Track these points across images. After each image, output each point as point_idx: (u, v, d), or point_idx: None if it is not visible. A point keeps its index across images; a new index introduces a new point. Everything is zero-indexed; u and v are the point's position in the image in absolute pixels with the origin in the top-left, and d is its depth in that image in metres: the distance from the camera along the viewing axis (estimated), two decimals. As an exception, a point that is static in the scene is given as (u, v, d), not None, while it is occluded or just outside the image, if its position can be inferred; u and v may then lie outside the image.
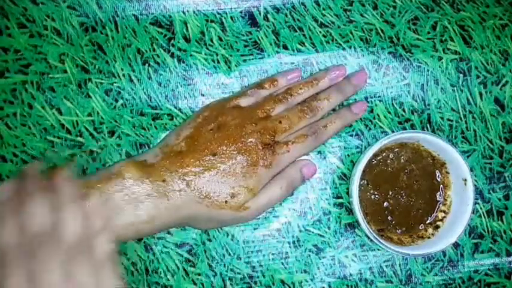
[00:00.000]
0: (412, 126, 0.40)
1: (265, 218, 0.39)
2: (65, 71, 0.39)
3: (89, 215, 0.29)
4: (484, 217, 0.40)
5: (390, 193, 0.38)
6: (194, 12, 0.40)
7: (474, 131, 0.40)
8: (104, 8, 0.39)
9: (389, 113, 0.40)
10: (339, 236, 0.39)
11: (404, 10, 0.41)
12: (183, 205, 0.32)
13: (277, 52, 0.40)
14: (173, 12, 0.40)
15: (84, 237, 0.27)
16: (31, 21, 0.39)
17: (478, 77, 0.41)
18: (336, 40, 0.40)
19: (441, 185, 0.38)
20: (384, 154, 0.38)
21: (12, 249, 0.26)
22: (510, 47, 0.41)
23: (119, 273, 0.28)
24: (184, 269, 0.38)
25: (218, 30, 0.40)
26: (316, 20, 0.41)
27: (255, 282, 0.38)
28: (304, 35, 0.40)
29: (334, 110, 0.39)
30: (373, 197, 0.38)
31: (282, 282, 0.38)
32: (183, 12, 0.40)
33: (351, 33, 0.41)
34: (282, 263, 0.38)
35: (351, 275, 0.39)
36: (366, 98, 0.40)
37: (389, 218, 0.38)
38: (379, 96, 0.40)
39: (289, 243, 0.39)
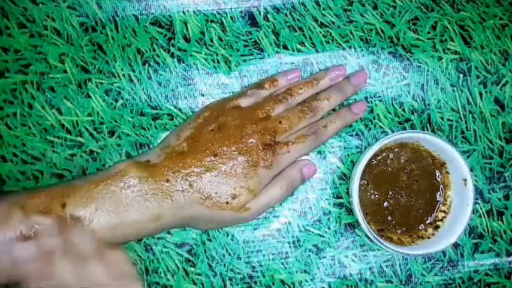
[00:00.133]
0: (412, 126, 0.40)
1: (265, 218, 0.39)
2: (65, 71, 0.38)
3: (111, 264, 0.31)
4: (484, 217, 0.40)
5: (390, 193, 0.38)
6: (194, 12, 0.40)
7: (474, 131, 0.41)
8: (104, 8, 0.39)
9: (389, 113, 0.40)
10: (339, 236, 0.39)
11: (405, 10, 0.41)
12: (186, 205, 0.33)
13: (277, 52, 0.40)
14: (173, 12, 0.40)
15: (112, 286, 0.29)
16: (31, 21, 0.39)
17: (478, 77, 0.41)
18: (336, 40, 0.40)
19: (441, 185, 0.38)
20: (384, 154, 0.38)
21: None
22: (510, 47, 0.41)
23: None
24: (184, 269, 0.38)
25: (218, 30, 0.40)
26: (316, 20, 0.41)
27: (255, 282, 0.38)
28: (304, 35, 0.40)
29: (334, 110, 0.39)
30: (373, 197, 0.38)
31: (282, 282, 0.38)
32: (183, 12, 0.40)
33: (351, 33, 0.41)
34: (282, 263, 0.38)
35: (351, 275, 0.39)
36: (366, 98, 0.40)
37: (389, 218, 0.38)
38: (379, 96, 0.40)
39: (289, 243, 0.39)
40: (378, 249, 0.39)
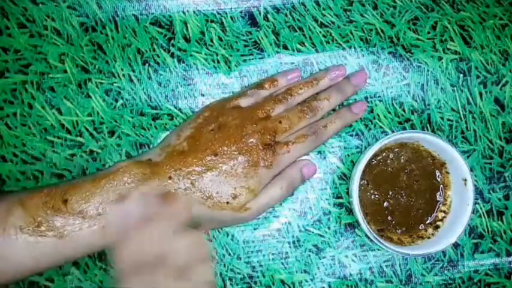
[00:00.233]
0: (412, 126, 0.40)
1: (265, 218, 0.39)
2: (65, 71, 0.39)
3: (196, 245, 0.32)
4: (484, 217, 0.40)
5: (390, 193, 0.38)
6: (194, 12, 0.40)
7: (474, 131, 0.41)
8: (104, 8, 0.39)
9: (389, 113, 0.40)
10: (339, 236, 0.39)
11: (405, 10, 0.41)
12: (188, 205, 0.32)
13: (277, 52, 0.40)
14: (173, 12, 0.40)
15: (190, 264, 0.31)
16: (31, 21, 0.39)
17: (478, 77, 0.41)
18: (336, 40, 0.40)
19: (441, 185, 0.38)
20: (384, 154, 0.38)
21: (134, 265, 0.30)
22: (510, 47, 0.41)
23: None
24: (184, 269, 0.38)
25: (218, 30, 0.40)
26: (316, 20, 0.41)
27: (255, 282, 0.38)
28: (304, 35, 0.40)
29: (334, 110, 0.39)
30: (373, 197, 0.38)
31: (282, 282, 0.38)
32: (183, 12, 0.40)
33: (351, 33, 0.41)
34: (282, 263, 0.38)
35: (351, 275, 0.39)
36: (366, 98, 0.40)
37: (389, 218, 0.38)
38: (379, 96, 0.40)
39: (289, 243, 0.39)
40: (378, 249, 0.39)
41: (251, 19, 0.40)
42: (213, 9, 0.40)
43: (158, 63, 0.39)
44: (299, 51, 0.40)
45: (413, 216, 0.38)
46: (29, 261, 0.30)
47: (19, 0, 0.39)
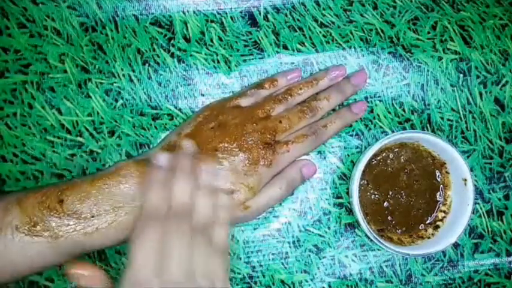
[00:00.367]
0: (412, 126, 0.40)
1: (265, 218, 0.39)
2: (65, 71, 0.39)
3: (219, 207, 0.31)
4: (484, 217, 0.40)
5: (390, 193, 0.38)
6: (194, 12, 0.40)
7: (474, 131, 0.40)
8: (104, 8, 0.39)
9: (389, 113, 0.40)
10: (339, 236, 0.39)
11: (405, 10, 0.41)
12: None
13: (277, 52, 0.40)
14: (173, 12, 0.40)
15: (210, 223, 0.30)
16: (31, 21, 0.39)
17: (478, 77, 0.41)
18: (336, 40, 0.40)
19: (441, 185, 0.38)
20: (384, 154, 0.38)
21: (154, 211, 0.29)
22: (510, 47, 0.41)
23: (229, 265, 0.30)
24: (184, 269, 0.38)
25: (218, 30, 0.40)
26: (316, 20, 0.41)
27: (255, 282, 0.38)
28: (304, 35, 0.40)
29: (334, 110, 0.39)
30: (373, 197, 0.38)
31: (282, 282, 0.38)
32: (183, 12, 0.40)
33: (351, 33, 0.41)
34: (282, 263, 0.38)
35: (351, 275, 0.39)
36: (366, 98, 0.40)
37: (389, 218, 0.38)
38: (379, 96, 0.40)
39: (289, 243, 0.39)
40: (378, 249, 0.39)
41: (251, 19, 0.40)
42: (213, 9, 0.40)
43: (158, 63, 0.39)
44: (299, 51, 0.40)
45: (413, 216, 0.38)
46: (25, 261, 0.30)
47: (19, 0, 0.39)
